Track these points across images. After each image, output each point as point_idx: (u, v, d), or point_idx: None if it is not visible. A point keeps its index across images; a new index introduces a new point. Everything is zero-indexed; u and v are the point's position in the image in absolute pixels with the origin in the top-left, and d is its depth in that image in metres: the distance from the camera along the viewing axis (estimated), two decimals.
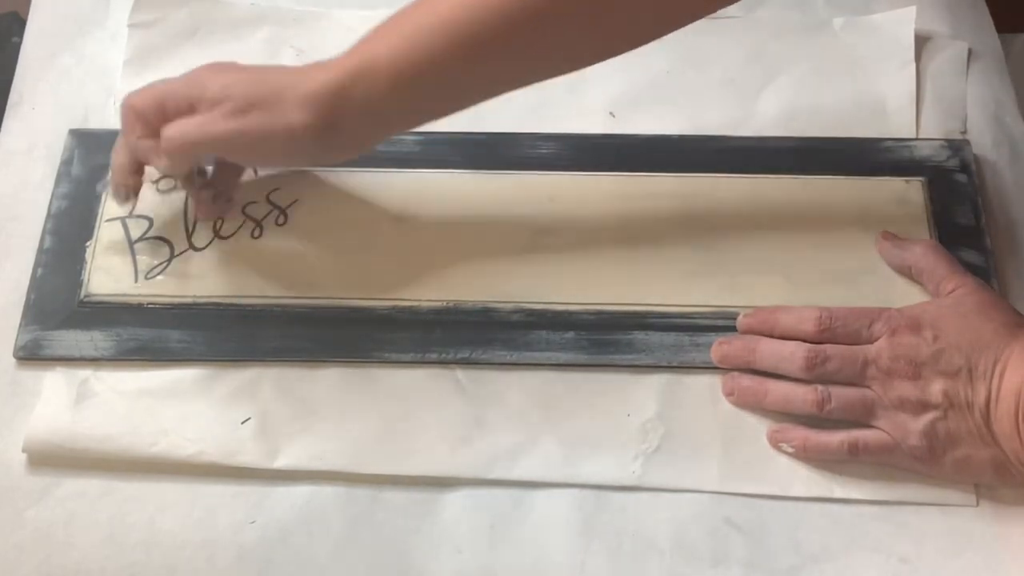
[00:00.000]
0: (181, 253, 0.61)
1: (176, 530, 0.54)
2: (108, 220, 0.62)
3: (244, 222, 0.62)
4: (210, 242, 0.61)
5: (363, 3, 0.71)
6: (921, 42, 0.68)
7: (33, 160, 0.65)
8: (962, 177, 0.63)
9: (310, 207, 0.62)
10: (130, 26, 0.69)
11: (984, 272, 0.59)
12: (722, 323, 0.58)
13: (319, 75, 0.52)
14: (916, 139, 0.65)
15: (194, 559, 0.53)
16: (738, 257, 0.60)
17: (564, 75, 0.55)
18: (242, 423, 0.56)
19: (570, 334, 0.58)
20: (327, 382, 0.58)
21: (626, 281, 0.60)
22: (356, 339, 0.58)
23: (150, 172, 0.60)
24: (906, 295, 0.59)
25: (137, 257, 0.61)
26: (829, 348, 0.55)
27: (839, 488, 0.54)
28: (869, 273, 0.60)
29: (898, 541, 0.53)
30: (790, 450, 0.55)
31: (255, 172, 0.63)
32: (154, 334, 0.58)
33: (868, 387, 0.54)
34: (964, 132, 0.65)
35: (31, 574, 0.53)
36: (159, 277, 0.60)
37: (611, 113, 0.67)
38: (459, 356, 0.58)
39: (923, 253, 0.58)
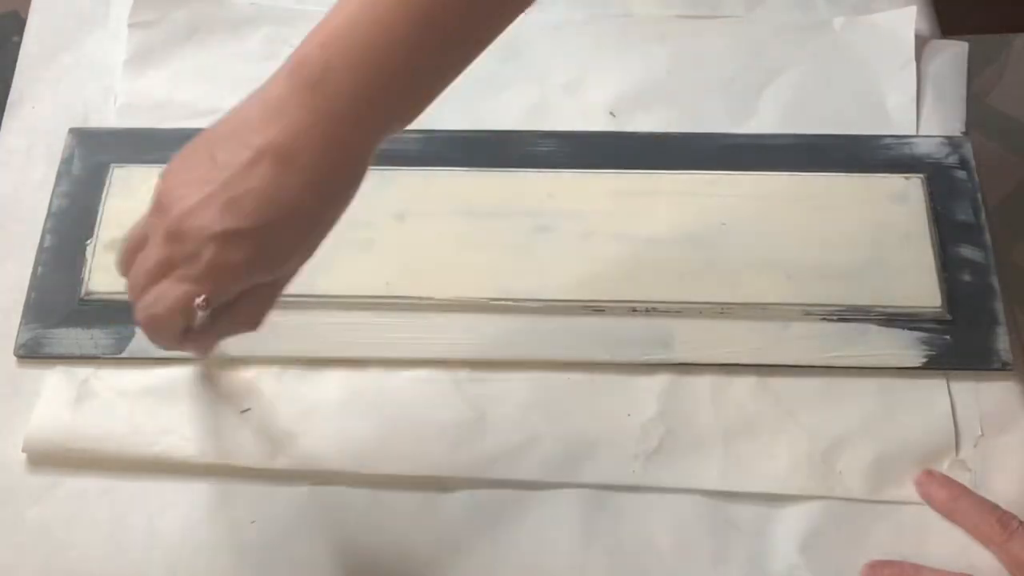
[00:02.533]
0: None
1: (176, 530, 0.54)
2: (108, 219, 0.62)
3: None
4: None
5: None
6: (921, 42, 0.68)
7: (33, 159, 0.65)
8: (962, 174, 0.63)
9: None
10: (130, 26, 0.69)
11: (983, 269, 0.59)
12: (722, 321, 0.58)
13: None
14: (916, 136, 0.65)
15: (194, 559, 0.53)
16: (738, 254, 0.60)
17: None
18: (242, 417, 0.56)
19: (570, 332, 0.58)
20: (327, 382, 0.58)
21: (626, 278, 0.60)
22: (356, 338, 0.58)
23: None
24: (906, 293, 0.59)
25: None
26: None
27: (839, 488, 0.54)
28: (869, 270, 0.60)
29: (898, 541, 0.53)
30: None
31: None
32: None
33: None
34: (964, 132, 0.65)
35: (31, 574, 0.53)
36: None
37: (611, 113, 0.66)
38: (459, 356, 0.58)
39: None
